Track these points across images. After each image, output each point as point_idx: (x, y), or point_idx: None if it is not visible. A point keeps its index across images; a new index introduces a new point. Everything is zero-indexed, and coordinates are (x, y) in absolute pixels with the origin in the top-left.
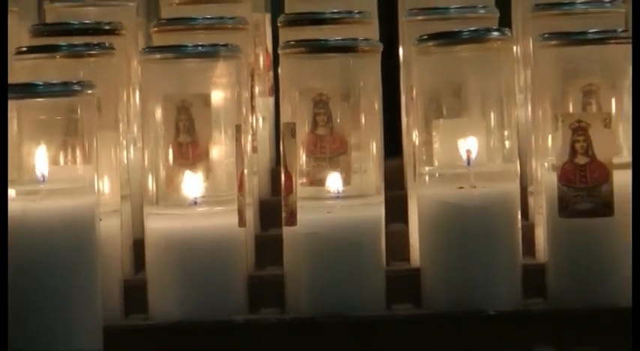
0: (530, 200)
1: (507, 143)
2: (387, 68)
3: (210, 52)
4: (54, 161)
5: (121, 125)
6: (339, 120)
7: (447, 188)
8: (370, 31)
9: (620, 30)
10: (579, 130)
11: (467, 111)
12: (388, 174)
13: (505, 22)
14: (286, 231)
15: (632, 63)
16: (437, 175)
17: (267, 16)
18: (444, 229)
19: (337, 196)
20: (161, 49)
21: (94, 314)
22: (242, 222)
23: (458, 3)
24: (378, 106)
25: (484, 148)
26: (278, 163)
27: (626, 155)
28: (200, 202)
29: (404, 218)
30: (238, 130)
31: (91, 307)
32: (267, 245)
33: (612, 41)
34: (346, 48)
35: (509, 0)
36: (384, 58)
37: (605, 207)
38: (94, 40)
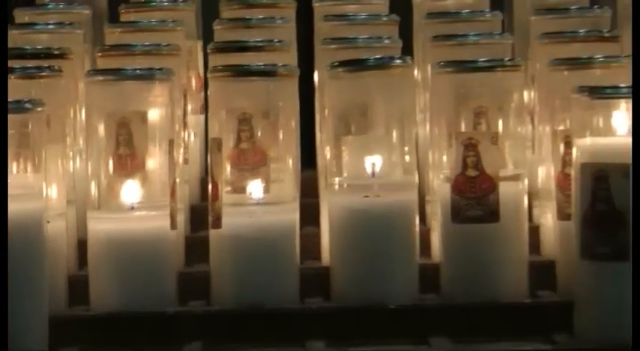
0: (428, 208)
1: (407, 157)
2: (305, 90)
3: (147, 75)
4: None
5: (68, 139)
6: (260, 136)
7: (354, 197)
8: (289, 57)
9: (506, 59)
10: (470, 147)
11: (372, 129)
12: (303, 183)
13: (407, 50)
14: (212, 233)
15: (632, 64)
16: (345, 185)
17: (199, 43)
18: (351, 233)
19: (257, 203)
20: (104, 71)
21: (40, 305)
22: (173, 225)
23: (366, 34)
24: (294, 123)
25: (387, 162)
26: (207, 173)
27: (511, 169)
28: (137, 207)
29: (316, 223)
30: (171, 144)
31: (38, 299)
32: (196, 245)
33: (500, 69)
34: (267, 72)
35: (411, 31)
36: (301, 81)
37: (492, 214)
38: (45, 63)
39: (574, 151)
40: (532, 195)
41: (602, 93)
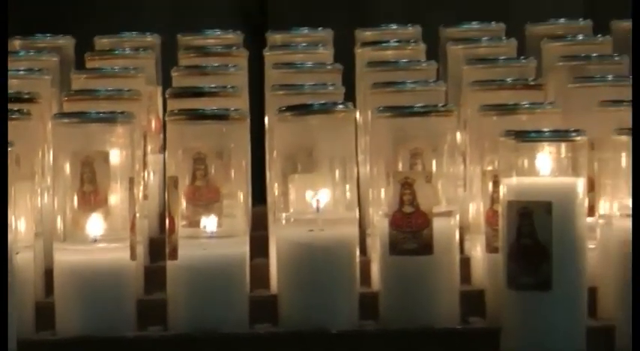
0: (368, 240)
1: (349, 194)
2: (256, 132)
3: (109, 118)
4: None
5: (36, 176)
6: (213, 174)
7: (299, 230)
8: (241, 102)
9: (440, 105)
10: (406, 185)
11: (317, 168)
12: (254, 218)
13: (350, 96)
14: (169, 263)
15: (633, 68)
16: (292, 219)
17: (159, 89)
18: (296, 264)
19: (211, 236)
20: (69, 114)
21: (9, 329)
22: (133, 256)
23: (312, 81)
24: (245, 163)
25: (330, 198)
26: (165, 208)
27: (444, 205)
28: (99, 239)
29: (266, 254)
30: (132, 181)
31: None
32: (154, 275)
33: (434, 114)
34: (220, 116)
35: (353, 79)
36: (253, 124)
37: (426, 247)
38: (15, 106)
39: (501, 189)
40: (463, 229)
41: (526, 137)
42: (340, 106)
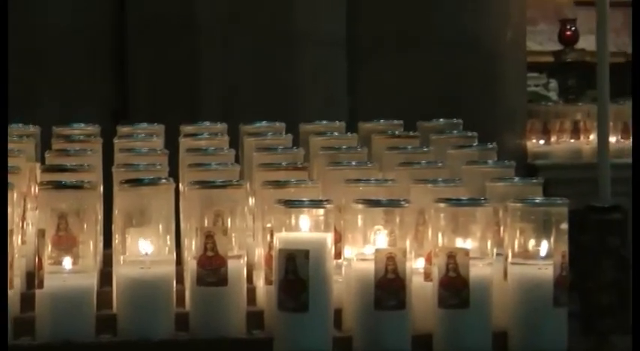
0: (184, 275)
1: (169, 243)
2: (107, 197)
3: None
4: None
5: None
6: (72, 227)
7: (133, 268)
8: (95, 176)
9: (235, 180)
10: (209, 237)
11: (148, 223)
12: (105, 258)
13: (174, 173)
14: (38, 291)
15: (633, 66)
16: (128, 260)
17: (37, 165)
18: (130, 291)
19: (69, 272)
20: None
21: None
22: (11, 285)
23: (146, 162)
24: (95, 219)
25: (156, 246)
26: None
27: (236, 250)
28: None
29: (110, 283)
30: (11, 231)
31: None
32: (28, 299)
33: (230, 187)
34: (76, 186)
35: (177, 160)
36: (105, 190)
37: (223, 280)
38: None
39: (275, 240)
40: (251, 267)
41: (292, 204)
42: (163, 180)
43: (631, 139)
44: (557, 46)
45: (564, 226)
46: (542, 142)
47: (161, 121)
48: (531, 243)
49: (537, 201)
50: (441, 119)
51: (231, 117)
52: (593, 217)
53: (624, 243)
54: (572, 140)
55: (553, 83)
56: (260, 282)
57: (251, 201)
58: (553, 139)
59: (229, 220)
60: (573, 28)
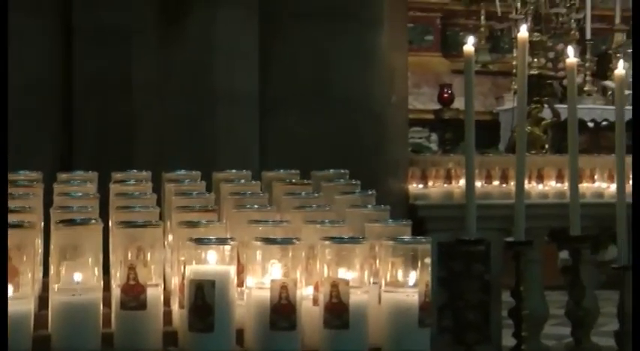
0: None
1: (97, 273)
2: (46, 233)
3: None
4: None
5: None
6: (14, 260)
7: (66, 295)
8: (35, 217)
9: (154, 220)
10: (131, 268)
11: (79, 257)
12: (45, 285)
13: (104, 213)
14: None
15: (633, 66)
16: (63, 288)
17: None
18: (63, 314)
19: (12, 298)
20: None
21: None
22: None
23: (78, 204)
24: (34, 252)
25: (85, 276)
26: None
27: (155, 280)
28: None
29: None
30: None
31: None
32: None
33: (149, 226)
34: (17, 225)
35: (108, 202)
36: (45, 228)
37: (142, 305)
38: None
39: (187, 271)
40: (168, 293)
41: (201, 241)
42: (93, 221)
43: (494, 183)
44: (437, 106)
45: (428, 260)
46: (421, 186)
47: (102, 168)
48: (401, 274)
49: (406, 239)
50: (331, 170)
51: (162, 165)
52: (461, 248)
53: (488, 269)
54: (445, 185)
55: (434, 136)
56: (175, 306)
57: (169, 237)
58: (430, 183)
59: (149, 254)
60: (450, 91)
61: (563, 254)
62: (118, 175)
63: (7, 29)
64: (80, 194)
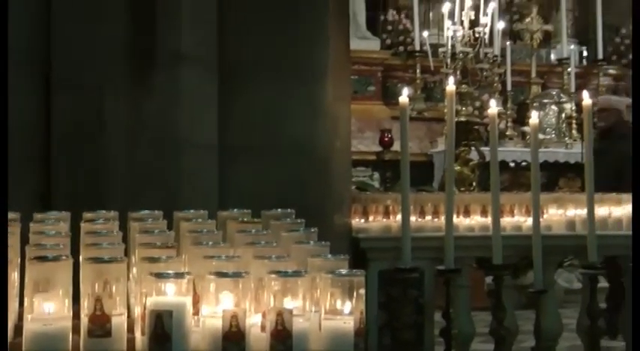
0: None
1: (67, 304)
2: (22, 268)
3: None
4: None
5: None
6: None
7: (39, 324)
8: (13, 254)
9: (119, 256)
10: (98, 300)
11: (51, 290)
12: (20, 315)
13: (75, 252)
14: None
15: (633, 67)
16: (36, 318)
17: None
18: (37, 342)
19: None
20: None
21: None
22: None
23: (53, 242)
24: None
25: (55, 307)
26: None
27: (119, 310)
28: None
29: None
30: None
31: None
32: None
33: (114, 262)
34: None
35: (79, 241)
36: (21, 263)
37: (107, 333)
38: None
39: (147, 302)
40: (132, 322)
41: (161, 275)
42: (64, 257)
43: (427, 218)
44: (378, 148)
45: (362, 291)
46: (362, 220)
47: (77, 207)
48: (339, 303)
49: (343, 272)
50: (279, 209)
51: (131, 205)
52: (398, 276)
53: (422, 294)
54: (384, 219)
55: (376, 175)
56: (138, 334)
57: (134, 270)
58: (371, 218)
59: (114, 286)
60: (389, 136)
61: (489, 279)
62: (88, 215)
63: (6, 30)
64: (53, 232)
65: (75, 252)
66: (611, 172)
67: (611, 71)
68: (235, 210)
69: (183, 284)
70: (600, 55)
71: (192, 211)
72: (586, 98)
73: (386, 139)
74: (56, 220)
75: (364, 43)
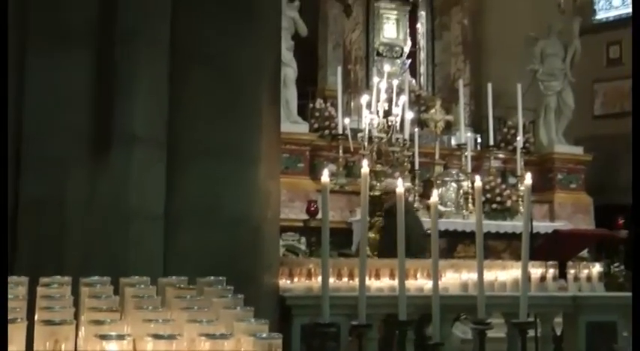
0: None
1: None
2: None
3: None
4: None
5: None
6: None
7: None
8: None
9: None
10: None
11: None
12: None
13: None
14: None
15: (632, 70)
16: None
17: None
18: None
19: None
20: None
21: None
22: None
23: None
24: None
25: None
26: None
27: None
28: None
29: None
30: None
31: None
32: None
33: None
34: None
35: None
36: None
37: None
38: None
39: None
40: None
41: (105, 336)
42: (19, 319)
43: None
44: (305, 217)
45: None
46: (288, 281)
47: (37, 272)
48: None
49: (264, 336)
50: (212, 277)
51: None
52: (318, 330)
53: (338, 345)
54: (307, 280)
55: (303, 239)
56: None
57: (82, 330)
58: (295, 279)
59: (64, 345)
60: (315, 206)
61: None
62: (44, 280)
63: (6, 29)
64: (12, 296)
65: (33, 313)
66: (394, 241)
67: (500, 155)
68: (173, 277)
69: (124, 345)
70: (492, 142)
71: (136, 277)
72: (477, 181)
73: (312, 208)
74: (15, 284)
75: (295, 126)
